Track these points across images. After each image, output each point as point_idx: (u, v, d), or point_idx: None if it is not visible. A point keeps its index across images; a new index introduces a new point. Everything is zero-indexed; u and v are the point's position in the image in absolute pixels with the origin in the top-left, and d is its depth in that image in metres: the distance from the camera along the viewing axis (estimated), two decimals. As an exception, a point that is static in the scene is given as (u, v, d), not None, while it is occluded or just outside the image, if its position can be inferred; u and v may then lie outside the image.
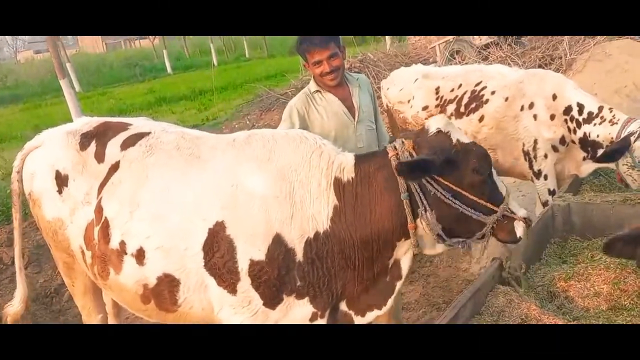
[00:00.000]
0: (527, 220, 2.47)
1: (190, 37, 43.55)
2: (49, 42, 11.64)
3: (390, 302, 2.59)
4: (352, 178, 2.48)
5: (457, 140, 2.40)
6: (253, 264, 2.43)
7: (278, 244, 2.43)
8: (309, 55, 3.09)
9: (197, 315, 2.66)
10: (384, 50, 16.96)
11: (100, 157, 2.83)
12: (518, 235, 2.47)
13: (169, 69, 30.89)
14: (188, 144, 2.73)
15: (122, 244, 2.63)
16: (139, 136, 2.83)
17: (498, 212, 2.39)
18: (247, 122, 12.03)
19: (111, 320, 3.49)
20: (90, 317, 3.34)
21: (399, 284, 2.58)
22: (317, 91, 3.21)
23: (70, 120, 3.45)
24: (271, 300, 2.48)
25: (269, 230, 2.43)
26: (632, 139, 3.61)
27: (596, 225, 3.30)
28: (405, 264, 2.55)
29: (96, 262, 2.77)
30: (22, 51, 55.69)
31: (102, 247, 2.70)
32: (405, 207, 2.38)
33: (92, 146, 2.87)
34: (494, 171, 2.47)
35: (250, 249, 2.44)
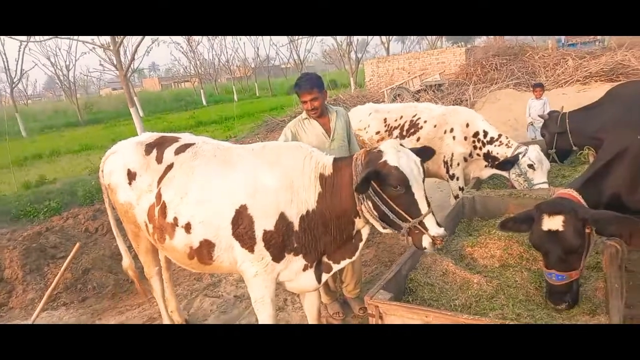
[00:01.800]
0: (435, 238, 2.13)
1: (219, 81, 42.90)
2: (123, 82, 11.38)
3: (357, 254, 2.56)
4: (330, 173, 2.44)
5: (385, 160, 2.19)
6: (266, 233, 2.41)
7: (282, 219, 2.40)
8: (299, 96, 3.07)
9: (226, 267, 2.62)
10: (350, 93, 17.04)
11: (159, 159, 2.76)
12: (423, 246, 2.17)
13: (204, 102, 30.38)
14: (221, 152, 2.67)
15: (175, 219, 2.58)
16: (187, 146, 2.77)
17: (409, 223, 2.16)
18: (257, 139, 11.99)
19: (164, 271, 3.43)
20: (150, 268, 3.27)
21: (361, 244, 2.55)
22: (306, 118, 3.17)
23: (137, 135, 3.35)
24: (277, 257, 2.46)
25: (276, 210, 2.40)
26: (520, 156, 3.86)
27: (491, 210, 3.32)
28: (365, 232, 2.52)
29: (156, 231, 2.70)
30: (104, 88, 54.42)
31: (161, 221, 2.64)
32: (355, 195, 2.33)
33: (154, 152, 2.80)
34: (418, 192, 2.17)
35: (264, 223, 2.41)
